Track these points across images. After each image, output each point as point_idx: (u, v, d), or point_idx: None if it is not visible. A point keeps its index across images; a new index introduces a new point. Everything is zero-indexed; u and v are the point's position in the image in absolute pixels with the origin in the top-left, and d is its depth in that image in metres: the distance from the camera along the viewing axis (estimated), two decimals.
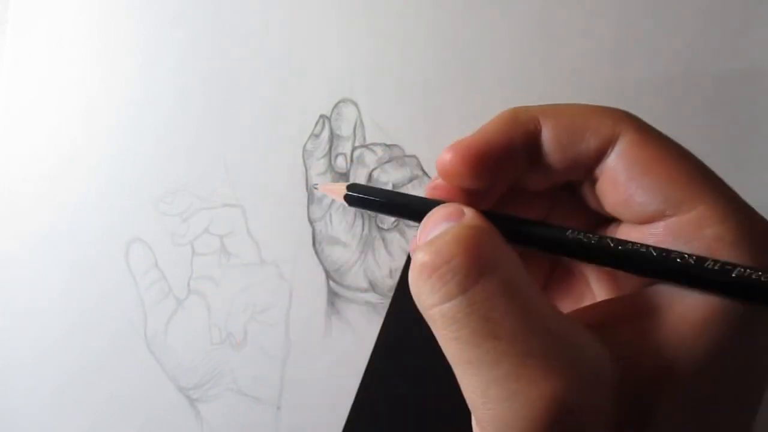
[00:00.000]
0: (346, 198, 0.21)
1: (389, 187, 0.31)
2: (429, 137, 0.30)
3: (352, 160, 0.31)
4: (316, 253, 0.30)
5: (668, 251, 0.15)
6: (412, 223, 0.23)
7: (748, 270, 0.14)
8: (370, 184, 0.31)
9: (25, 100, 0.32)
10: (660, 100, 0.30)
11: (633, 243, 0.16)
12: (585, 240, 0.16)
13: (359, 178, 0.31)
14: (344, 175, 0.31)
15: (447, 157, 0.17)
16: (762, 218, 0.15)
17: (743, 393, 0.15)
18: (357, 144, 0.31)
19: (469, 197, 0.18)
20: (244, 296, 0.25)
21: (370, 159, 0.31)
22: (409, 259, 0.30)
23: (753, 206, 0.16)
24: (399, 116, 0.31)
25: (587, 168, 0.17)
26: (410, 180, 0.30)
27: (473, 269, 0.14)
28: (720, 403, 0.15)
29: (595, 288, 0.19)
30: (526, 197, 0.19)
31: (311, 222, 0.30)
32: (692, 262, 0.15)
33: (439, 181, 0.18)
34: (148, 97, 0.32)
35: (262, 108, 0.32)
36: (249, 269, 0.30)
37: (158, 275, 0.31)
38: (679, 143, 0.17)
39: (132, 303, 0.31)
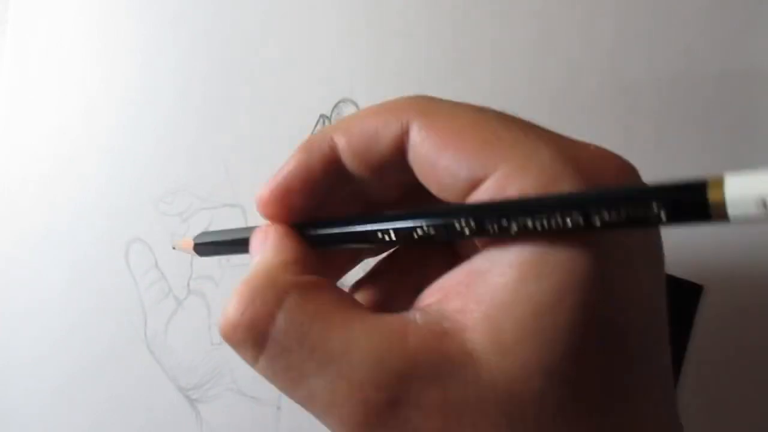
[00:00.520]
0: (195, 249, 0.23)
1: None
2: None
3: None
4: None
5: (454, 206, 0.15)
6: None
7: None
8: None
9: (25, 99, 0.32)
10: (660, 100, 0.30)
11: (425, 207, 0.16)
12: (397, 227, 0.17)
13: None
14: None
15: (258, 198, 0.19)
16: (572, 150, 0.16)
17: (606, 353, 0.15)
18: None
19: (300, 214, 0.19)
20: None
21: None
22: None
23: None
24: None
25: (397, 167, 0.17)
26: None
27: (258, 338, 0.16)
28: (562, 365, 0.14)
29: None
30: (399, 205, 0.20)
31: None
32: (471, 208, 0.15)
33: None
34: (148, 97, 0.32)
35: (262, 108, 0.32)
36: (249, 269, 0.30)
37: (158, 275, 0.31)
38: (475, 109, 0.17)
39: (132, 303, 0.31)
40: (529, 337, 0.14)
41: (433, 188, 0.17)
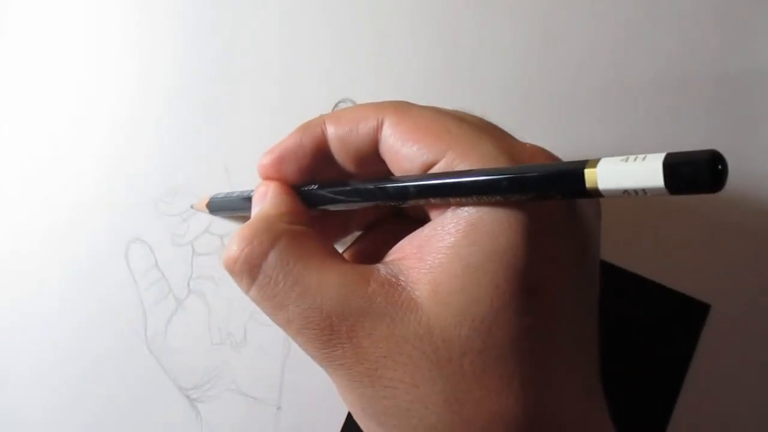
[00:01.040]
0: (209, 205, 0.29)
1: None
2: None
3: None
4: None
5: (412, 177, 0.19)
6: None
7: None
8: None
9: (24, 99, 0.32)
10: (660, 100, 0.30)
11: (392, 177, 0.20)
12: (361, 187, 0.21)
13: None
14: None
15: (259, 163, 0.23)
16: (510, 144, 0.19)
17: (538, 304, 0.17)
18: None
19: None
20: (244, 296, 0.25)
21: None
22: None
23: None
24: None
25: (373, 159, 0.21)
26: None
27: (253, 270, 0.19)
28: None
29: None
30: None
31: None
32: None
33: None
34: (148, 97, 0.32)
35: (262, 108, 0.32)
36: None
37: (158, 275, 0.31)
38: (435, 111, 0.20)
39: (132, 303, 0.31)
40: (460, 292, 0.17)
41: (398, 173, 0.20)
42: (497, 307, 0.17)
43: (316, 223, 0.24)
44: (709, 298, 0.28)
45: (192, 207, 0.31)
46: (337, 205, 0.22)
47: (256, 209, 0.22)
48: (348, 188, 0.21)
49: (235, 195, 0.27)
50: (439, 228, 0.18)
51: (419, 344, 0.17)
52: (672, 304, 0.28)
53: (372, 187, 0.20)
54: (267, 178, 0.23)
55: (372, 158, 0.21)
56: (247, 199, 0.24)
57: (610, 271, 0.29)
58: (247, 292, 0.20)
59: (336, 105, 0.31)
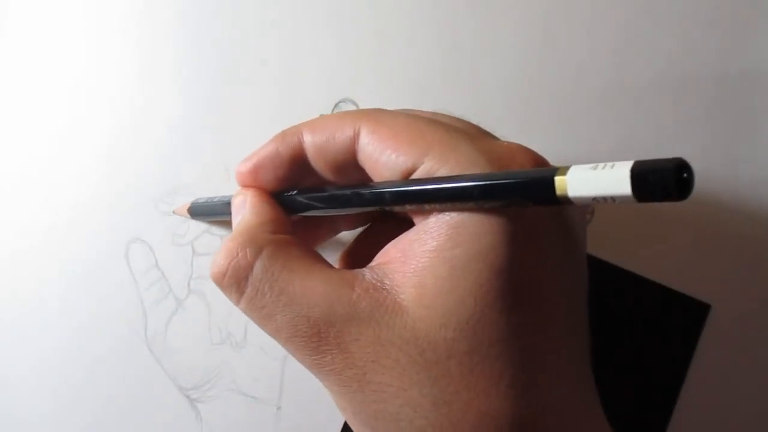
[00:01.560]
0: (190, 210, 0.29)
1: None
2: None
3: None
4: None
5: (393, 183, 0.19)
6: None
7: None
8: None
9: (24, 99, 0.32)
10: (660, 100, 0.30)
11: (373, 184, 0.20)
12: (338, 193, 0.21)
13: None
14: None
15: (236, 170, 0.23)
16: (488, 144, 0.19)
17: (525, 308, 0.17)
18: None
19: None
20: None
21: None
22: None
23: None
24: None
25: (351, 167, 0.21)
26: None
27: (240, 283, 0.19)
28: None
29: None
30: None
31: None
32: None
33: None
34: (148, 97, 0.32)
35: (262, 108, 0.32)
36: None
37: (158, 275, 0.31)
38: (409, 116, 0.20)
39: (132, 303, 0.31)
40: (444, 294, 0.17)
41: (377, 179, 0.20)
42: (482, 308, 0.17)
43: (302, 226, 0.24)
44: (709, 298, 0.28)
45: (174, 212, 0.31)
46: (317, 211, 0.22)
47: (237, 219, 0.22)
48: (325, 194, 0.21)
49: (216, 200, 0.27)
50: (423, 232, 0.18)
51: (406, 347, 0.17)
52: (672, 304, 0.28)
53: (348, 192, 0.20)
54: (244, 185, 0.23)
55: (351, 167, 0.21)
56: (227, 204, 0.24)
57: (610, 271, 0.29)
58: (236, 304, 0.20)
59: (336, 105, 0.31)
